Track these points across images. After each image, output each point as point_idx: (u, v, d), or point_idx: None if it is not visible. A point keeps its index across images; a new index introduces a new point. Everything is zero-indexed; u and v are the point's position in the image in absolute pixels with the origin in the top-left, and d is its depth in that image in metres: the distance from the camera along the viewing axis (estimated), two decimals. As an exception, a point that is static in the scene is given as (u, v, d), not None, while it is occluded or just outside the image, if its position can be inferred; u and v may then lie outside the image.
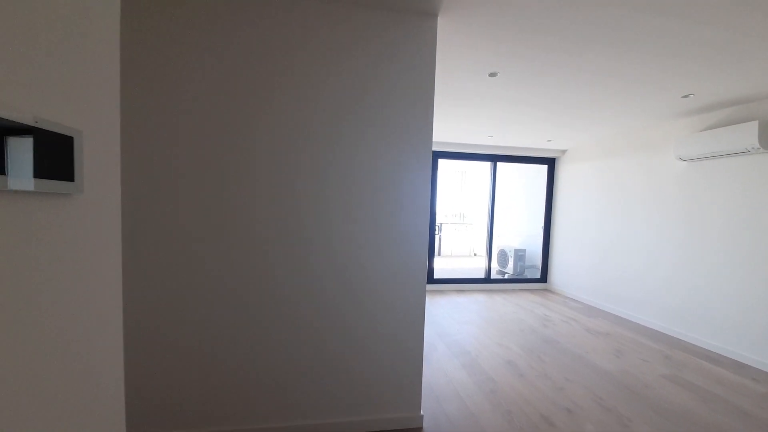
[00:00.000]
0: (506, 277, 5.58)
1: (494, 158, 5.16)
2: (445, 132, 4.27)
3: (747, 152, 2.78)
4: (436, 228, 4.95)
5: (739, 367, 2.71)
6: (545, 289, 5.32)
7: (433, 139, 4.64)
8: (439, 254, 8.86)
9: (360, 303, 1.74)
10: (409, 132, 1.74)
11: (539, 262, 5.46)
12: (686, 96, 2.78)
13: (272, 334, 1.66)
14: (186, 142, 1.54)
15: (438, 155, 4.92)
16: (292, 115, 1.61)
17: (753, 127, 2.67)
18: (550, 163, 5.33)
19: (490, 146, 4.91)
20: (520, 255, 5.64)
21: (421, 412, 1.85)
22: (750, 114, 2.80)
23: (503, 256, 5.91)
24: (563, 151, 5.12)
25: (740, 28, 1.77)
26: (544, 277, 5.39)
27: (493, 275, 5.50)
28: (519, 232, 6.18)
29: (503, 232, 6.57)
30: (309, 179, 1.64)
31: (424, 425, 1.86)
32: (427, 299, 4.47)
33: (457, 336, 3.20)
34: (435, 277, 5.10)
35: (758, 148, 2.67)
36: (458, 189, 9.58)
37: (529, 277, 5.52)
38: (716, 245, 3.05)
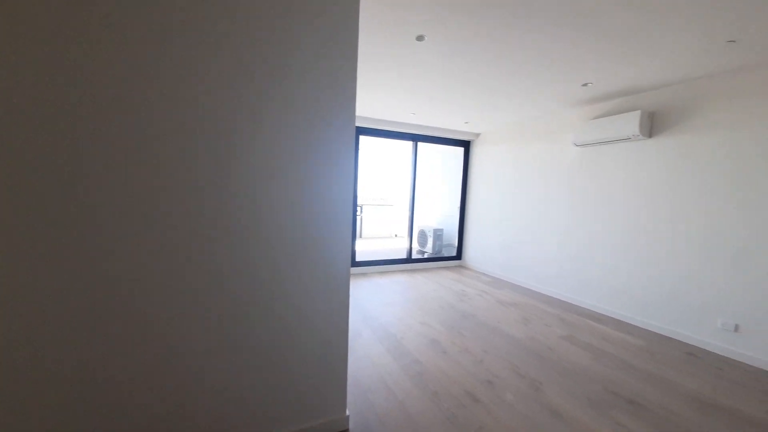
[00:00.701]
0: (426, 256, 5.73)
1: (416, 138, 5.12)
2: (366, 106, 4.01)
3: (629, 139, 3.20)
4: (358, 209, 4.72)
5: (618, 324, 3.19)
6: (460, 266, 5.63)
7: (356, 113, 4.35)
8: (361, 236, 8.75)
9: (276, 299, 1.41)
10: (331, 101, 1.43)
11: (455, 241, 5.73)
12: (585, 84, 3.04)
13: (172, 344, 1.22)
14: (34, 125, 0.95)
15: (359, 131, 4.65)
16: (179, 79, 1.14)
17: (635, 116, 3.06)
18: (466, 145, 5.55)
19: (412, 125, 4.84)
20: (438, 234, 5.84)
21: (347, 413, 1.64)
22: (634, 105, 3.21)
23: (423, 236, 6.05)
24: (477, 135, 5.36)
25: (632, 23, 1.90)
26: (459, 255, 5.70)
27: (414, 255, 5.59)
28: (437, 212, 6.39)
29: (423, 213, 6.73)
30: (208, 159, 1.21)
31: (350, 427, 1.65)
32: (351, 283, 4.27)
33: (382, 319, 3.08)
34: (357, 259, 4.92)
35: (638, 135, 3.08)
36: (379, 169, 9.52)
37: (446, 255, 5.77)
38: (599, 222, 3.51)
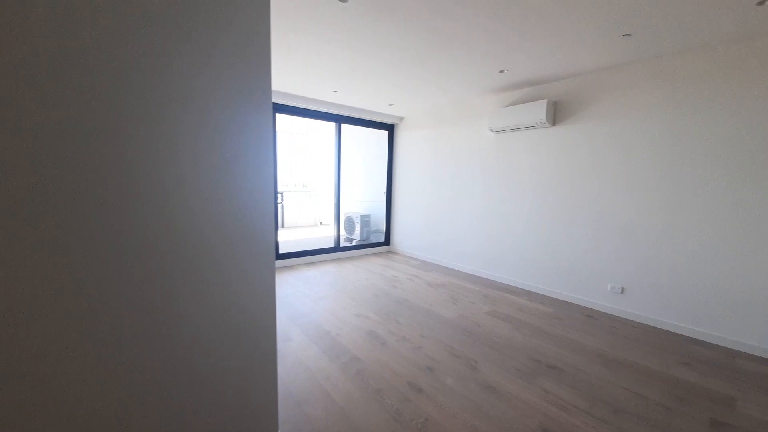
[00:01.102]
0: (354, 243, 5.59)
1: (339, 119, 4.84)
2: (284, 79, 3.59)
3: (537, 126, 3.49)
4: (279, 197, 4.31)
5: (529, 295, 3.53)
6: (389, 251, 5.65)
7: (275, 88, 3.87)
8: (283, 226, 8.18)
9: (193, 307, 1.07)
10: (242, 69, 1.11)
11: (383, 226, 5.71)
12: (502, 71, 3.18)
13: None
14: None
15: (276, 108, 4.18)
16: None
17: (542, 104, 3.33)
18: (391, 129, 5.49)
19: (335, 104, 4.54)
20: (365, 221, 5.74)
21: (280, 435, 1.41)
22: (541, 94, 3.48)
23: (350, 223, 5.89)
24: (401, 118, 5.33)
25: (543, 12, 1.99)
26: (387, 240, 5.71)
27: (342, 243, 5.40)
28: (365, 198, 6.28)
29: (350, 199, 6.54)
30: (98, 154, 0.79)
31: (286, 451, 1.43)
32: (276, 278, 3.89)
33: (314, 315, 2.85)
34: (281, 251, 4.52)
35: (545, 123, 3.37)
36: (299, 153, 8.94)
37: (374, 241, 5.72)
38: (512, 203, 3.81)
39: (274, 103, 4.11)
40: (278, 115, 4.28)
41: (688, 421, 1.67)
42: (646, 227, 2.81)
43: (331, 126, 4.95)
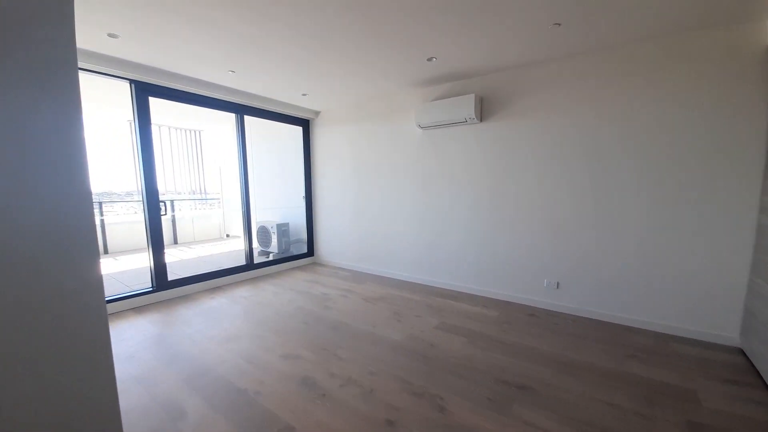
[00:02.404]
0: (271, 258, 4.77)
1: (240, 109, 3.99)
2: (157, 50, 2.67)
3: (466, 122, 3.32)
4: (165, 206, 3.31)
5: (471, 298, 3.35)
6: (314, 263, 4.99)
7: (140, 61, 2.88)
8: (176, 242, 6.71)
9: None
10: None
11: (305, 235, 5.02)
12: (431, 59, 2.89)
13: None
14: None
15: (147, 89, 3.17)
16: None
17: (470, 99, 3.16)
18: (305, 125, 4.84)
19: (234, 90, 3.70)
20: (283, 230, 4.96)
21: None
22: (469, 89, 3.33)
23: (264, 234, 5.03)
24: (317, 113, 4.74)
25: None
26: (311, 251, 5.03)
27: (257, 259, 4.53)
28: (281, 204, 5.46)
29: (263, 206, 5.63)
30: None
31: None
32: (165, 314, 2.91)
33: (222, 368, 2.09)
34: (171, 278, 3.48)
35: (473, 119, 3.22)
36: (195, 152, 7.50)
37: (296, 253, 4.98)
38: (446, 203, 3.61)
39: (143, 81, 3.10)
40: (155, 101, 3.26)
41: (668, 427, 1.56)
42: (577, 222, 2.85)
43: (233, 119, 4.06)
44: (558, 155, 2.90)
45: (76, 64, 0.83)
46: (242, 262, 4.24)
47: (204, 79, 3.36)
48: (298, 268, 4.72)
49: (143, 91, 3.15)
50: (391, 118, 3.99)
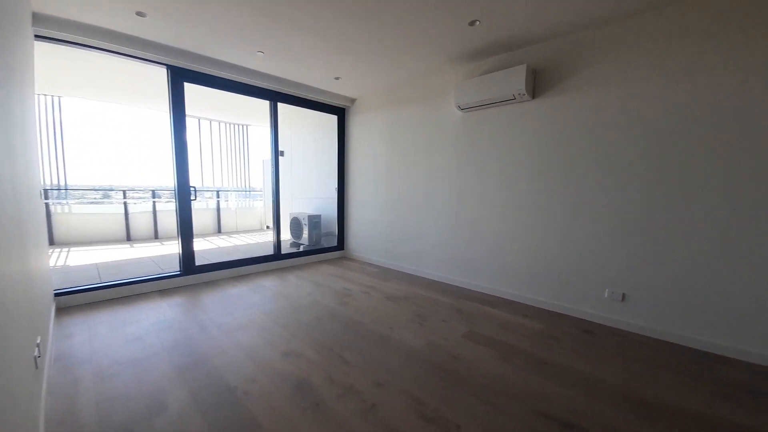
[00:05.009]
0: (302, 249, 4.67)
1: (274, 96, 3.91)
2: (185, 29, 2.62)
3: (514, 99, 2.85)
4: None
5: (510, 306, 2.87)
6: (343, 257, 4.80)
7: (170, 44, 2.86)
8: (219, 231, 6.99)
9: None
10: None
11: (336, 229, 4.85)
12: (473, 23, 2.48)
13: None
14: None
15: (183, 75, 3.17)
16: None
17: (521, 70, 2.69)
18: (341, 113, 4.66)
19: (266, 75, 3.61)
20: (315, 222, 4.85)
21: None
22: (516, 62, 2.85)
23: (296, 225, 4.96)
24: (352, 100, 4.53)
25: None
26: (341, 244, 4.85)
27: (288, 249, 4.45)
28: (314, 195, 5.37)
29: (297, 197, 5.59)
30: None
31: None
32: (186, 297, 2.88)
33: (218, 360, 1.93)
34: (198, 263, 3.49)
35: (524, 94, 2.74)
36: (241, 147, 7.80)
37: (326, 246, 4.84)
38: (486, 196, 3.15)
39: (180, 68, 3.11)
40: (192, 88, 3.28)
41: None
42: (651, 221, 2.25)
43: (264, 103, 4.00)
44: (634, 138, 2.32)
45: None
46: (270, 252, 4.17)
47: (236, 63, 3.31)
48: (327, 261, 4.55)
49: (179, 77, 3.16)
50: (427, 102, 3.62)
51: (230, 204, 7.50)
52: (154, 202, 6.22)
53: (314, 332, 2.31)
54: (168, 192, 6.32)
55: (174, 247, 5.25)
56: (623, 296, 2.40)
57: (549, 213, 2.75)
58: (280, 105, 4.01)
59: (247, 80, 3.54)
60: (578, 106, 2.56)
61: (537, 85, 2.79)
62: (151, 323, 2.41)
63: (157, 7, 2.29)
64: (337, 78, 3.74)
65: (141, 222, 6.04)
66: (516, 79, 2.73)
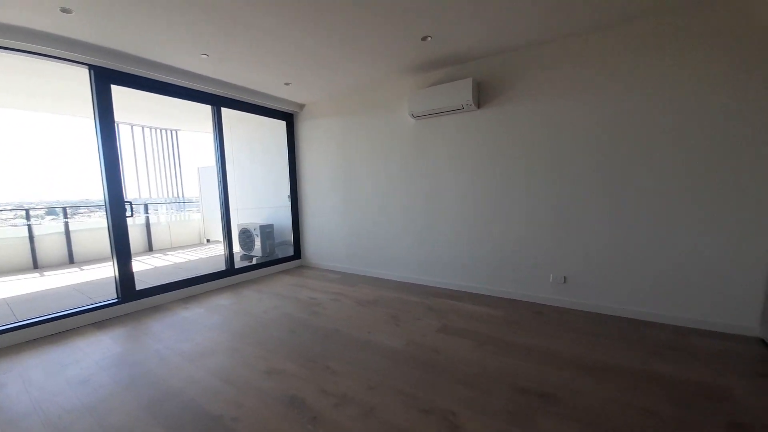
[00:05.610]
0: (255, 262, 4.42)
1: (217, 100, 3.66)
2: (117, 28, 2.35)
3: (462, 109, 3.10)
4: (128, 208, 2.96)
5: (473, 297, 3.11)
6: (302, 266, 4.67)
7: (99, 43, 2.53)
8: (150, 249, 6.25)
9: None
10: None
11: (291, 237, 4.70)
12: (425, 38, 2.66)
13: None
14: None
15: (109, 76, 2.82)
16: None
17: (467, 83, 2.95)
18: (289, 119, 4.54)
19: (209, 79, 3.37)
20: (267, 232, 4.63)
21: None
22: (464, 74, 3.11)
23: (247, 237, 4.69)
24: (301, 106, 4.45)
25: None
26: (298, 253, 4.71)
27: (239, 263, 4.18)
28: (264, 204, 5.12)
29: (245, 207, 5.28)
30: None
31: None
32: (131, 328, 2.55)
33: (192, 390, 1.78)
34: (139, 288, 3.11)
35: (471, 105, 3.00)
36: (170, 155, 7.08)
37: (281, 256, 4.66)
38: (440, 197, 3.37)
39: (107, 68, 2.76)
40: (120, 91, 2.92)
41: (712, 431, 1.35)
42: (585, 213, 2.66)
43: (206, 108, 3.73)
44: (562, 143, 2.71)
45: None
46: (222, 267, 3.89)
47: (174, 65, 3.03)
48: (285, 271, 4.39)
49: (105, 79, 2.80)
50: (381, 109, 3.74)
51: (161, 218, 6.76)
52: (66, 222, 5.32)
53: (291, 346, 2.25)
54: (85, 208, 5.46)
55: (99, 272, 4.58)
56: (564, 279, 2.78)
57: (499, 212, 3.05)
58: (223, 110, 3.76)
59: (188, 84, 3.27)
60: (516, 115, 2.90)
61: (482, 96, 3.08)
62: (95, 361, 2.10)
63: (86, 3, 2.02)
64: (287, 83, 3.65)
65: (49, 245, 5.11)
66: (464, 91, 2.98)
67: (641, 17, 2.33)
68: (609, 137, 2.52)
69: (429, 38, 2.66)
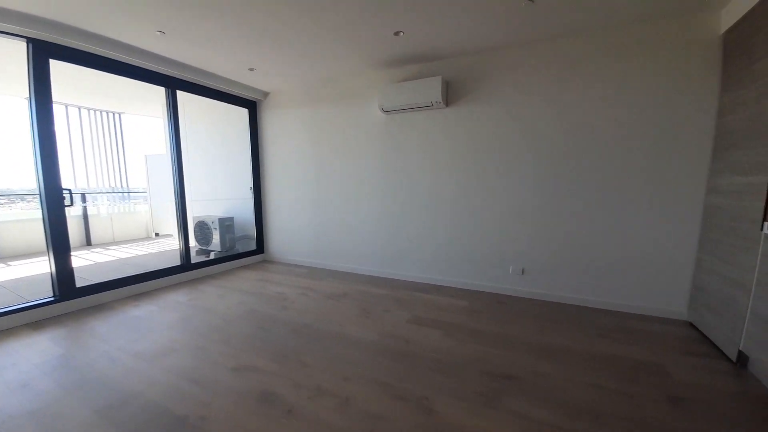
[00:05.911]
0: (213, 256, 4.19)
1: (171, 82, 3.39)
2: (66, 2, 2.09)
3: (432, 106, 3.18)
4: (67, 197, 2.67)
5: (438, 289, 3.23)
6: (265, 261, 4.51)
7: (39, 14, 2.22)
8: (88, 243, 5.66)
9: None
10: None
11: (254, 231, 4.51)
12: (398, 33, 2.68)
13: None
14: None
15: (49, 51, 2.50)
16: None
17: (437, 81, 3.02)
18: (252, 107, 4.34)
19: (164, 59, 3.11)
20: (227, 225, 4.40)
21: None
22: (434, 72, 3.18)
23: (204, 230, 4.41)
24: (266, 94, 4.27)
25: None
26: (260, 247, 4.54)
27: (195, 259, 3.93)
28: (224, 196, 4.84)
29: (203, 199, 4.95)
30: None
31: None
32: (72, 329, 2.30)
33: (153, 392, 1.66)
34: (80, 285, 2.81)
35: (440, 102, 3.08)
36: (112, 140, 6.42)
37: (242, 251, 4.45)
38: (407, 191, 3.44)
39: (47, 42, 2.44)
40: (58, 66, 2.59)
41: (651, 404, 1.55)
42: (538, 208, 2.87)
43: (160, 90, 3.44)
44: (520, 141, 2.89)
45: None
46: (177, 262, 3.63)
47: (125, 41, 2.76)
48: (247, 266, 4.21)
49: (43, 53, 2.47)
50: (351, 102, 3.71)
51: (101, 209, 6.13)
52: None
53: (261, 342, 2.18)
54: (5, 198, 4.77)
55: (30, 268, 4.06)
56: (523, 270, 2.99)
57: (463, 206, 3.19)
58: (179, 93, 3.49)
59: (140, 62, 2.99)
60: (481, 114, 3.04)
61: (450, 94, 3.18)
62: (34, 365, 1.88)
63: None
64: (251, 69, 3.48)
65: (-40, 239, 4.41)
66: (433, 89, 3.05)
67: (602, 29, 2.56)
68: (563, 138, 2.73)
69: (401, 33, 2.69)
